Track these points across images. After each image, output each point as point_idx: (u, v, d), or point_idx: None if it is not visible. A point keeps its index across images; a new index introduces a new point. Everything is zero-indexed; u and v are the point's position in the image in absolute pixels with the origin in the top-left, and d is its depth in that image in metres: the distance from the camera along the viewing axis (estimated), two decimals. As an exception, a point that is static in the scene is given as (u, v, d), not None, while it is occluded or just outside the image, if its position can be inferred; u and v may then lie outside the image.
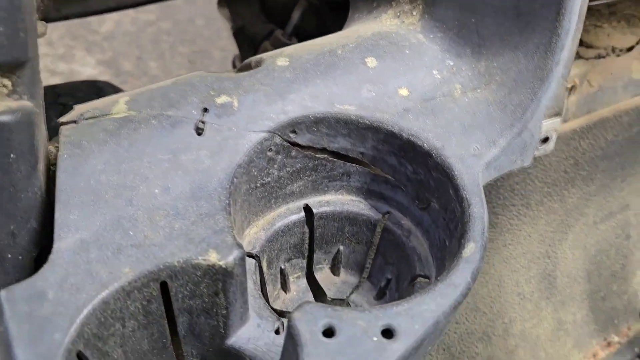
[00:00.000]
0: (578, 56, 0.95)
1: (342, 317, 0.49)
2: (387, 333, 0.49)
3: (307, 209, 0.73)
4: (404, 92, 0.70)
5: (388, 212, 0.73)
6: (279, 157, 0.68)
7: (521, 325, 1.21)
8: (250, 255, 0.67)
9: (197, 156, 0.60)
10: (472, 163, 0.64)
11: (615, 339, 1.34)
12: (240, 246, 0.54)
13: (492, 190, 0.95)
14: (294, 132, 0.67)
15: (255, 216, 0.70)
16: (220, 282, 0.54)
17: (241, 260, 0.54)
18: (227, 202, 0.57)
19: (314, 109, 0.67)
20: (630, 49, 1.00)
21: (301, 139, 0.68)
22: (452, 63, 0.73)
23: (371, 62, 0.71)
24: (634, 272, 1.39)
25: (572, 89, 0.93)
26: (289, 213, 0.72)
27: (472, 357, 1.14)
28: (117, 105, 0.62)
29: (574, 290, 1.29)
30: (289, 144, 0.67)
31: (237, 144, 0.62)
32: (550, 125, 0.68)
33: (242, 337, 0.59)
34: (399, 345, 0.48)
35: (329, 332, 0.49)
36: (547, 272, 1.22)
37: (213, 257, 0.53)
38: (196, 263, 0.53)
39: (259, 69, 0.68)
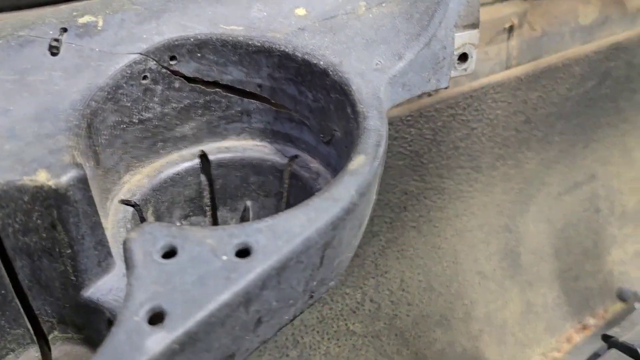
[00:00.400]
0: (516, -5, 0.88)
1: (188, 236, 0.40)
2: (243, 252, 0.40)
3: (203, 155, 0.64)
4: (300, 11, 0.62)
5: (295, 156, 0.64)
6: (159, 87, 0.58)
7: (485, 308, 1.11)
8: (127, 203, 0.58)
9: (49, 77, 0.51)
10: (373, 77, 0.55)
11: (591, 321, 1.23)
12: (80, 167, 0.45)
13: (433, 146, 0.87)
14: (173, 57, 0.59)
15: (138, 161, 0.61)
16: (54, 209, 0.44)
17: (81, 183, 0.44)
18: (77, 123, 0.48)
19: (195, 29, 0.58)
20: (574, -10, 0.93)
21: (185, 68, 0.60)
22: (358, -19, 0.65)
23: (265, -20, 0.63)
24: (608, 249, 1.30)
25: (510, 29, 0.86)
26: (181, 160, 0.63)
27: (430, 343, 1.04)
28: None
29: (541, 269, 1.19)
30: (169, 72, 0.59)
31: (100, 66, 0.52)
32: (466, 38, 0.59)
33: (102, 287, 0.49)
34: (254, 264, 0.39)
35: (170, 254, 0.39)
36: (509, 248, 1.12)
37: (42, 177, 0.43)
38: (21, 184, 0.43)
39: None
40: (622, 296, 1.26)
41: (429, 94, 0.80)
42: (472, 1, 0.58)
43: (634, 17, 1.04)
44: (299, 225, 0.42)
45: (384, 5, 0.61)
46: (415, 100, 0.80)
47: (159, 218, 0.63)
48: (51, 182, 0.44)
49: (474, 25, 0.59)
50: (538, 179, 1.10)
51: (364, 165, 0.46)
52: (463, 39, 0.59)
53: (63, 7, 0.58)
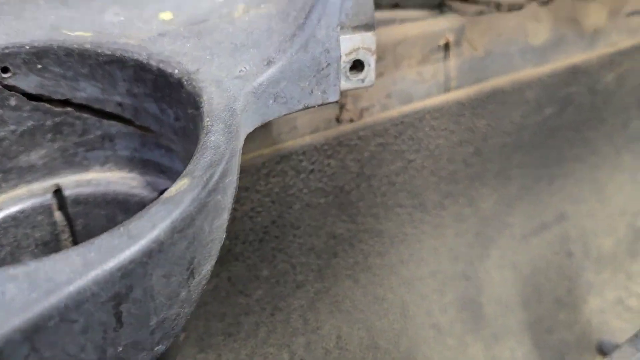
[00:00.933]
0: (451, 10, 0.78)
1: None
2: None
3: (58, 190, 0.53)
4: (166, 15, 0.52)
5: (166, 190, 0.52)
6: (-14, 106, 0.48)
7: (443, 367, 0.97)
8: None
9: None
10: (231, 86, 0.44)
11: (569, 380, 1.09)
12: None
13: (361, 181, 0.75)
14: (5, 69, 0.48)
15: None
16: None
17: None
18: None
19: (30, 35, 0.48)
20: (519, 7, 0.83)
21: (24, 83, 0.49)
22: (241, -17, 0.55)
23: (125, -19, 0.53)
24: (584, 297, 1.16)
25: (446, 47, 0.75)
26: (28, 196, 0.52)
27: (377, 411, 0.89)
28: None
29: (508, 321, 1.05)
30: (0, 87, 0.48)
31: None
32: (358, 42, 0.49)
33: None
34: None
35: None
36: (468, 297, 0.99)
37: None
38: None
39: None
40: (602, 349, 1.12)
41: (339, 120, 0.69)
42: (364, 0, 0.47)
43: (592, 38, 0.94)
44: (69, 271, 0.30)
45: (262, 6, 0.51)
46: (331, 125, 0.69)
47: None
48: None
49: (368, 27, 0.48)
50: (498, 220, 0.98)
51: (184, 191, 0.35)
52: (354, 42, 0.48)
53: None
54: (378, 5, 0.73)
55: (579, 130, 1.02)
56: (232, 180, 0.40)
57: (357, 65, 0.50)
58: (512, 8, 0.83)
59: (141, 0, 0.53)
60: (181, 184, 0.35)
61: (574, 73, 0.93)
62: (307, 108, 0.48)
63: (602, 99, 1.02)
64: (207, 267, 0.41)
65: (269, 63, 0.46)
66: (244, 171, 0.64)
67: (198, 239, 0.36)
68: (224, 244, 0.69)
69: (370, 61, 0.50)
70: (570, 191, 1.09)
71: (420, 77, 0.75)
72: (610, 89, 1.02)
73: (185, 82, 0.45)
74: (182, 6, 0.53)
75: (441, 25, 0.74)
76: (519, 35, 0.84)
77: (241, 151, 0.43)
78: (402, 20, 0.74)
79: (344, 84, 0.49)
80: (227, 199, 0.40)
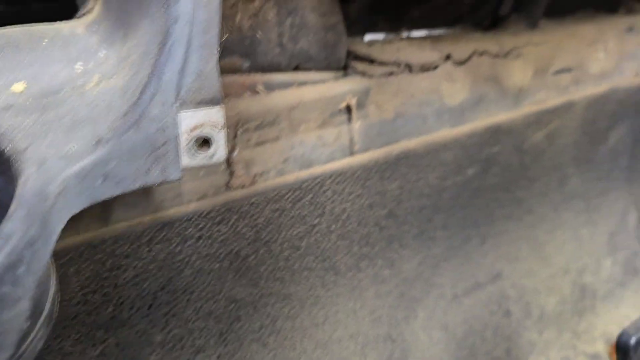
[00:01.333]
0: (356, 72, 0.77)
1: None
2: None
3: None
4: (18, 87, 0.51)
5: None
6: None
7: None
8: None
9: None
10: (53, 167, 0.43)
11: None
12: None
13: (259, 246, 0.73)
14: None
15: None
16: None
17: None
18: None
19: None
20: (434, 67, 0.83)
21: None
22: (104, 52, 0.54)
23: (-22, 52, 0.52)
24: (526, 357, 1.13)
25: (349, 110, 0.75)
26: None
27: None
28: None
29: (439, 385, 1.02)
30: None
31: None
32: (203, 118, 0.48)
33: None
34: None
35: None
36: (393, 360, 0.96)
37: None
38: None
39: None
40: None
41: (228, 186, 0.68)
42: (206, 71, 0.46)
43: (515, 96, 0.94)
44: None
45: (112, 78, 0.50)
46: (221, 191, 0.68)
47: None
48: None
49: (213, 101, 0.47)
50: (423, 280, 0.96)
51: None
52: (197, 118, 0.47)
53: None
54: (277, 68, 0.72)
55: (508, 190, 1.00)
56: (32, 269, 0.39)
57: (206, 141, 0.49)
58: (424, 68, 0.82)
59: (-5, 71, 0.52)
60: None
61: (497, 133, 0.92)
62: (145, 187, 0.47)
63: (532, 158, 1.01)
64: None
65: (99, 142, 0.44)
66: (122, 238, 0.63)
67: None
68: (106, 311, 0.67)
69: (217, 137, 0.49)
70: (506, 250, 1.07)
71: (321, 141, 0.74)
72: (540, 147, 1.01)
73: (12, 162, 0.44)
74: (38, 77, 0.52)
75: (341, 88, 0.73)
76: (434, 96, 0.83)
77: (57, 235, 0.42)
78: (302, 83, 0.73)
79: (188, 161, 0.48)
80: (21, 289, 0.38)
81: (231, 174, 0.68)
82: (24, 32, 0.56)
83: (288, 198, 0.72)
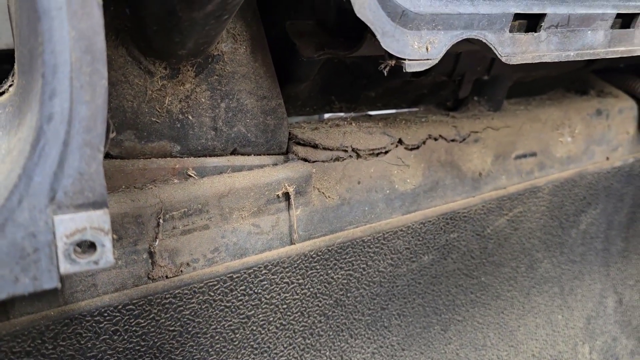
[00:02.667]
0: (298, 157, 0.73)
1: None
2: None
3: None
4: None
5: None
6: None
7: None
8: None
9: None
10: None
11: None
12: None
13: (185, 340, 0.67)
14: None
15: None
16: None
17: None
18: None
19: None
20: (385, 152, 0.79)
21: None
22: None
23: None
24: None
25: (287, 197, 0.70)
26: None
27: None
28: None
29: None
30: None
31: None
32: (84, 221, 0.43)
33: None
34: None
35: None
36: None
37: None
38: None
39: None
40: None
41: (150, 277, 0.63)
42: (88, 172, 0.42)
43: (475, 182, 0.89)
44: None
45: (-5, 173, 0.46)
46: (142, 282, 0.63)
47: None
48: None
49: (97, 204, 0.42)
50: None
51: None
52: (77, 222, 0.42)
53: None
54: (211, 152, 0.68)
55: (471, 275, 0.94)
56: None
57: (91, 245, 0.44)
58: (374, 153, 0.78)
59: None
60: None
61: (454, 219, 0.86)
62: (14, 297, 0.42)
63: (496, 243, 0.95)
64: None
65: (-45, 248, 0.40)
66: (22, 335, 0.57)
67: None
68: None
69: (103, 241, 0.43)
70: (472, 337, 1.00)
71: (257, 229, 0.69)
72: (505, 232, 0.96)
73: None
74: None
75: (279, 174, 0.68)
76: (383, 182, 0.79)
77: None
78: (238, 168, 0.69)
79: (68, 268, 0.43)
80: None
81: (153, 263, 0.63)
82: None
83: (218, 289, 0.67)
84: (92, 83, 0.42)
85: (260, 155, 0.71)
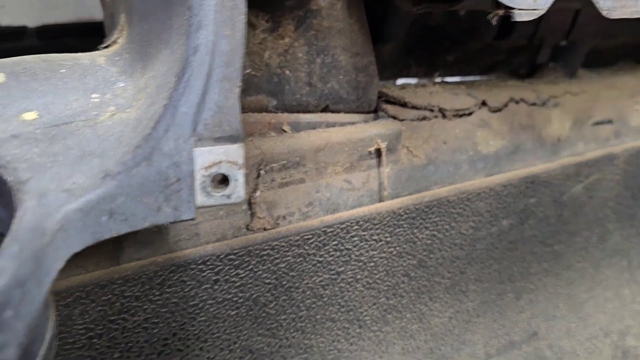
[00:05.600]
0: (387, 115, 0.73)
1: None
2: None
3: None
4: (30, 115, 0.48)
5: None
6: None
7: None
8: None
9: None
10: (54, 201, 0.39)
11: None
12: None
13: (279, 293, 0.68)
14: None
15: None
16: None
17: None
18: None
19: None
20: (468, 113, 0.78)
21: None
22: (122, 85, 0.51)
23: (-5, 78, 0.50)
24: None
25: (378, 154, 0.70)
26: None
27: None
28: None
29: None
30: None
31: None
32: (221, 155, 0.43)
33: None
34: None
35: None
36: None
37: None
38: None
39: None
40: None
41: (249, 228, 0.63)
42: (226, 106, 0.42)
43: (554, 147, 0.88)
44: None
45: (128, 110, 0.47)
46: (241, 233, 0.63)
47: None
48: None
49: (233, 138, 0.43)
50: (454, 336, 0.88)
51: None
52: (215, 155, 0.43)
53: None
54: (305, 108, 0.68)
55: (546, 243, 0.93)
56: (22, 312, 0.34)
57: (224, 179, 0.44)
58: (458, 114, 0.77)
59: (7, 98, 0.49)
60: None
61: (534, 183, 0.85)
62: (155, 225, 0.42)
63: (571, 211, 0.93)
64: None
65: (106, 176, 0.40)
66: (133, 279, 0.58)
67: None
68: (112, 357, 0.62)
69: (236, 175, 0.44)
70: (543, 307, 0.99)
71: (348, 185, 0.69)
72: (580, 200, 0.94)
73: (13, 193, 0.40)
74: (51, 106, 0.49)
75: (372, 130, 0.68)
76: (467, 143, 0.78)
77: (55, 274, 0.37)
78: (330, 124, 0.69)
79: (204, 200, 0.44)
80: (9, 335, 0.33)
81: (252, 215, 0.63)
82: (42, 61, 0.54)
83: (312, 243, 0.67)
84: (233, 18, 0.42)
85: (350, 112, 0.71)
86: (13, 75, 0.50)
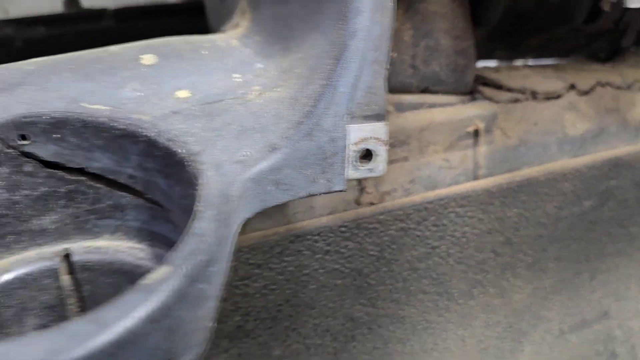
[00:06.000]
0: (483, 97, 0.76)
1: None
2: None
3: (66, 255, 0.53)
4: (183, 93, 0.52)
5: (173, 264, 0.51)
6: (4, 170, 0.49)
7: None
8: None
9: None
10: (230, 171, 0.43)
11: None
12: None
13: (381, 265, 0.72)
14: (23, 137, 0.49)
15: (-21, 256, 0.50)
16: None
17: None
18: None
19: (51, 106, 0.49)
20: (557, 96, 0.80)
21: (41, 150, 0.49)
22: (261, 65, 0.55)
23: (148, 59, 0.54)
24: (630, 404, 1.06)
25: (476, 134, 0.73)
26: (37, 259, 0.52)
27: None
28: None
29: (541, 423, 0.96)
30: (18, 154, 0.49)
31: None
32: (369, 132, 0.47)
33: None
34: None
35: None
36: (497, 394, 0.92)
37: None
38: None
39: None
40: None
41: (358, 202, 0.67)
42: (375, 86, 0.46)
43: (637, 130, 0.89)
44: (31, 358, 0.29)
45: (277, 89, 0.51)
46: (350, 207, 0.67)
47: (3, 327, 0.50)
48: None
49: (379, 117, 0.47)
50: (531, 313, 0.92)
51: (163, 280, 0.33)
52: (364, 132, 0.47)
53: None
54: (407, 89, 0.72)
55: (622, 225, 0.95)
56: (220, 269, 0.39)
57: (367, 154, 0.48)
58: (548, 97, 0.80)
59: (160, 77, 0.53)
60: (161, 272, 0.33)
61: (616, 166, 0.88)
62: (310, 196, 0.47)
63: (649, 193, 0.95)
64: (189, 357, 0.39)
65: (273, 149, 0.45)
66: (256, 248, 0.63)
67: (176, 330, 0.34)
68: (233, 320, 0.67)
69: (380, 151, 0.48)
70: (614, 288, 1.01)
71: (447, 163, 0.72)
72: (659, 183, 0.96)
73: (187, 163, 0.44)
74: (199, 85, 0.53)
75: (470, 112, 0.71)
76: (556, 125, 0.81)
77: (236, 237, 0.42)
78: (431, 105, 0.72)
79: (352, 173, 0.48)
80: (212, 287, 0.38)
81: (361, 190, 0.67)
82: (185, 42, 0.58)
83: (413, 218, 0.71)
84: (383, 3, 0.45)
85: (447, 94, 0.74)
86: (163, 57, 0.55)
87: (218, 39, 0.59)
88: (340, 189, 0.47)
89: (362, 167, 0.48)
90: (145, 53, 0.55)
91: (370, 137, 0.47)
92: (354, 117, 0.46)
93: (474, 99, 0.75)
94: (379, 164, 0.48)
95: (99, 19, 1.25)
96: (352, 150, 0.47)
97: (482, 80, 0.75)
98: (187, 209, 0.48)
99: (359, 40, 0.45)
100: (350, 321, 0.73)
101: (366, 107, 0.46)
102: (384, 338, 0.77)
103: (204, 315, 0.37)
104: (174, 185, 0.49)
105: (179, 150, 0.45)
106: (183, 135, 0.47)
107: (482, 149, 0.74)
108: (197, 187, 0.42)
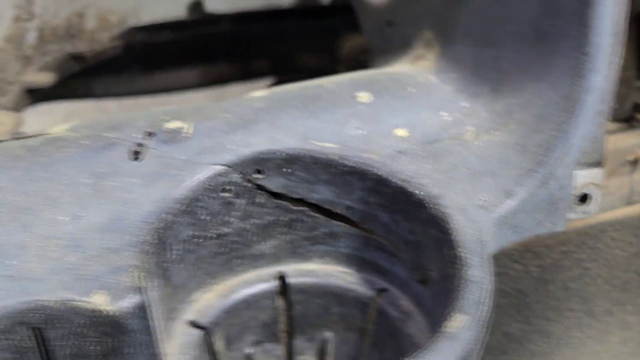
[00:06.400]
0: (637, 121, 0.78)
1: None
2: None
3: (282, 278, 0.59)
4: (401, 132, 0.57)
5: (384, 290, 0.57)
6: (240, 202, 0.54)
7: None
8: (197, 325, 0.53)
9: (125, 184, 0.48)
10: (477, 216, 0.48)
11: None
12: (141, 291, 0.40)
13: (540, 285, 0.76)
14: (259, 171, 0.55)
15: (212, 278, 0.56)
16: (109, 337, 0.40)
17: (140, 311, 0.40)
18: (146, 238, 0.45)
19: (285, 143, 0.55)
20: None
21: (271, 183, 0.55)
22: (466, 104, 0.59)
23: (364, 97, 0.59)
24: None
25: (635, 162, 0.76)
26: (257, 280, 0.58)
27: None
28: (60, 126, 0.54)
29: None
30: (253, 187, 0.55)
31: (179, 175, 0.50)
32: (588, 178, 0.51)
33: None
34: None
35: None
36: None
37: (99, 300, 0.39)
38: (77, 306, 0.40)
39: (232, 99, 0.59)
40: None
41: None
42: (598, 136, 0.50)
43: None
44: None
45: (494, 133, 0.55)
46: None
47: (229, 343, 0.57)
48: (108, 307, 0.40)
49: (598, 164, 0.51)
50: (662, 330, 0.94)
51: (465, 328, 0.38)
52: (584, 178, 0.51)
53: (155, 110, 0.57)
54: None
55: None
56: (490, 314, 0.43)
57: (582, 198, 0.52)
58: None
59: (378, 116, 0.58)
60: (460, 319, 0.39)
61: None
62: (536, 237, 0.51)
63: None
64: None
65: (508, 195, 0.49)
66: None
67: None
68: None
69: (596, 195, 0.52)
70: None
71: (606, 189, 0.76)
72: None
73: (428, 205, 0.49)
74: (414, 123, 0.57)
75: (632, 140, 0.75)
76: None
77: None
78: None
79: (571, 215, 0.52)
80: (486, 334, 0.42)
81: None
82: (389, 78, 0.63)
83: (574, 242, 0.75)
84: (612, 61, 0.49)
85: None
86: (377, 94, 0.60)
87: (416, 74, 0.63)
88: (560, 230, 0.51)
89: (579, 210, 0.52)
90: (357, 90, 0.59)
91: (590, 183, 0.51)
92: (579, 165, 0.50)
93: (631, 127, 0.78)
94: (593, 206, 0.52)
95: (217, 23, 1.30)
96: (574, 195, 0.51)
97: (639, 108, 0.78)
98: (412, 244, 0.53)
99: (593, 95, 0.49)
100: (505, 337, 0.78)
101: (588, 155, 0.50)
102: (531, 352, 0.82)
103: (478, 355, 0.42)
104: (400, 221, 0.54)
105: (416, 192, 0.50)
106: (416, 176, 0.52)
107: (638, 175, 0.77)
108: (447, 231, 0.47)
